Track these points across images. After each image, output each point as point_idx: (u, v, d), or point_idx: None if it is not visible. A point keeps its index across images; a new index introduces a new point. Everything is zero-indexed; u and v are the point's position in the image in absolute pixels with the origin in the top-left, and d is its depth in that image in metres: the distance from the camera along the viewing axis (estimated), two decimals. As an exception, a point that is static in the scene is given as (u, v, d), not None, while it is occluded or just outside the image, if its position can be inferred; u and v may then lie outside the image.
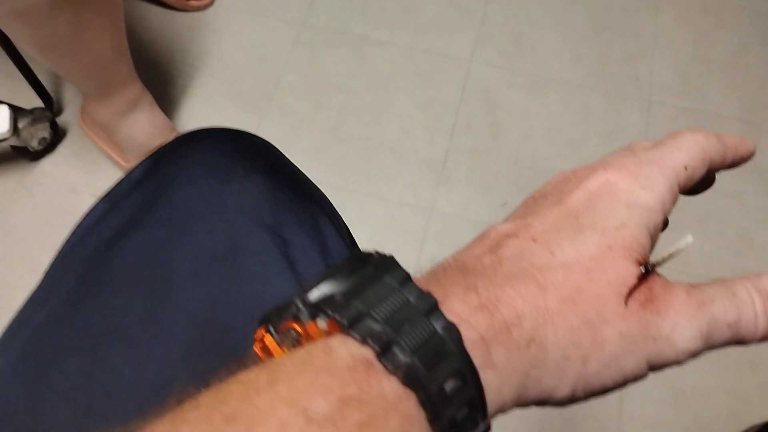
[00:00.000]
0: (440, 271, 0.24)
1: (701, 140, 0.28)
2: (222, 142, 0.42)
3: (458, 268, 0.24)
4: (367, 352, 0.19)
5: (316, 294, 0.22)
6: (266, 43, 1.24)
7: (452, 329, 0.20)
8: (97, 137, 1.09)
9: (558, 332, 0.22)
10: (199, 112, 1.17)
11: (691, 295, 0.24)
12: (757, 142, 1.07)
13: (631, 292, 0.23)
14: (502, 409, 0.22)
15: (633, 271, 0.23)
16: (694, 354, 0.23)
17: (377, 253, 0.23)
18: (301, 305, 0.22)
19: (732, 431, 0.94)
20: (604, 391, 0.23)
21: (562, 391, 0.22)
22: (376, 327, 0.20)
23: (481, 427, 0.21)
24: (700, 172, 0.27)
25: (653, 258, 0.24)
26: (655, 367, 0.23)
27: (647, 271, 0.23)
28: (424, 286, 0.22)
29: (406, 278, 0.22)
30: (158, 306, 0.36)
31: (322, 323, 0.21)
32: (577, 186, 0.26)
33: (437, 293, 0.22)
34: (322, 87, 1.20)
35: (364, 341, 0.19)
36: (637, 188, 0.25)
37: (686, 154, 0.27)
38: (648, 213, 0.24)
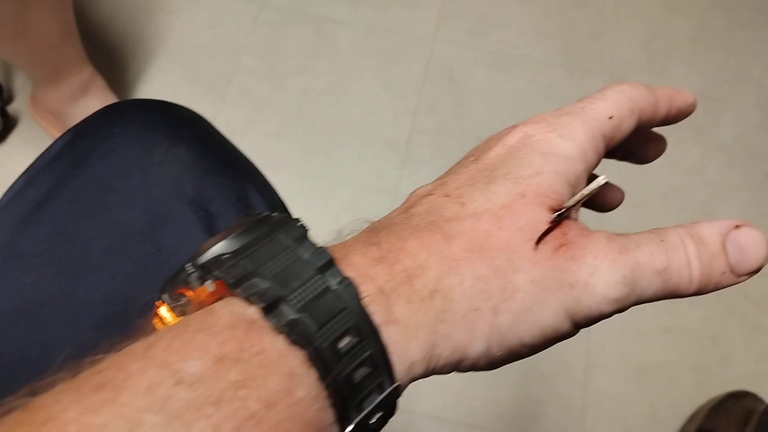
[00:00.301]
0: (352, 236, 0.23)
1: (628, 90, 0.26)
2: (146, 114, 0.40)
3: (369, 229, 0.23)
4: (252, 311, 0.18)
5: (206, 256, 0.21)
6: (224, 23, 1.21)
7: (347, 284, 0.19)
8: (48, 124, 1.05)
9: (464, 281, 0.21)
10: (155, 95, 1.14)
11: (612, 239, 0.22)
12: (719, 117, 1.07)
13: (543, 238, 0.22)
14: (413, 371, 0.20)
15: (545, 217, 0.22)
16: (620, 303, 0.22)
17: (278, 213, 0.22)
18: (191, 269, 0.20)
19: (696, 404, 0.95)
20: (524, 348, 0.22)
21: (476, 347, 0.21)
22: (263, 284, 0.19)
23: (388, 387, 0.19)
24: (628, 122, 0.26)
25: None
26: (577, 319, 0.22)
27: (560, 215, 0.22)
28: (326, 246, 0.21)
29: (302, 236, 0.21)
30: (70, 283, 0.35)
31: (210, 285, 0.20)
32: (496, 143, 0.25)
33: (338, 251, 0.21)
34: (282, 68, 1.17)
35: (248, 299, 0.18)
36: (555, 137, 0.24)
37: (611, 103, 0.26)
38: (566, 161, 0.24)
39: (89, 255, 0.35)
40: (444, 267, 0.21)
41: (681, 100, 0.28)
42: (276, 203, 0.42)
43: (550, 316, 0.21)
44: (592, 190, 0.23)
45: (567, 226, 0.22)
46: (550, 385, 0.95)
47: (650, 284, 0.22)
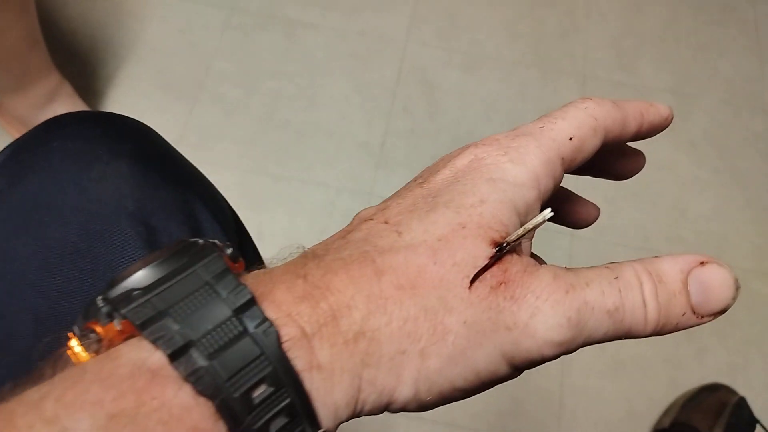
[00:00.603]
0: (284, 263, 0.22)
1: (592, 107, 0.25)
2: (86, 127, 0.38)
3: (302, 257, 0.22)
4: (158, 357, 0.17)
5: (118, 290, 0.19)
6: (195, 28, 1.20)
7: (267, 326, 0.18)
8: (16, 132, 1.03)
9: (392, 322, 0.19)
10: (126, 102, 1.13)
11: (558, 277, 0.21)
12: (689, 113, 1.08)
13: (481, 275, 0.20)
14: (339, 416, 0.19)
15: (485, 251, 0.21)
16: (564, 346, 0.20)
17: (205, 240, 0.21)
18: (101, 303, 0.19)
19: (671, 397, 0.96)
20: (457, 392, 0.21)
21: (403, 392, 0.20)
22: (173, 327, 0.17)
23: None
24: (591, 142, 0.24)
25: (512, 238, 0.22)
26: (516, 362, 0.20)
27: (501, 250, 0.21)
28: (251, 279, 0.20)
29: (222, 270, 0.19)
30: (2, 302, 0.34)
31: (118, 324, 0.18)
32: (444, 164, 0.24)
33: (263, 284, 0.19)
34: (254, 72, 1.17)
35: (155, 343, 0.17)
36: (505, 162, 0.23)
37: (572, 123, 0.24)
38: (514, 188, 0.22)
39: (21, 274, 0.34)
40: (371, 306, 0.19)
41: (654, 114, 0.26)
42: (223, 215, 0.41)
43: (484, 360, 0.20)
44: (537, 224, 0.22)
45: (509, 261, 0.21)
46: (527, 381, 0.96)
47: (600, 325, 0.21)
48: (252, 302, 0.18)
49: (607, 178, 0.31)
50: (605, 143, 0.25)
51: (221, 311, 0.18)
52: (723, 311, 0.21)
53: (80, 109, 1.01)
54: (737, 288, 0.21)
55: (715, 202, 1.11)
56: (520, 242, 0.22)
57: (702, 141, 1.16)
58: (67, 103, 0.99)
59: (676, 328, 0.22)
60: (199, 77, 1.15)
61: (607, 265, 0.22)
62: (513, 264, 0.21)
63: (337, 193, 1.08)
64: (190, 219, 0.37)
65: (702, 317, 0.21)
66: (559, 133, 0.24)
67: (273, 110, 1.13)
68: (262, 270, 0.21)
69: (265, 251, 1.08)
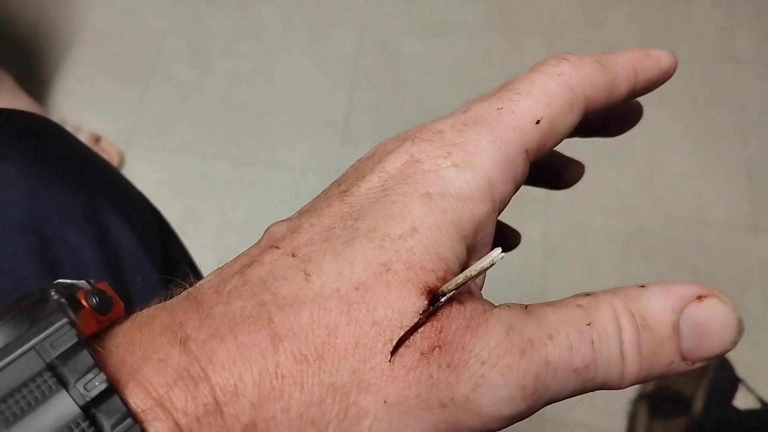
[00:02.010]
0: (163, 308, 0.17)
1: (568, 72, 0.19)
2: None
3: (186, 299, 0.17)
4: None
5: None
6: (141, 7, 1.14)
7: (129, 426, 0.14)
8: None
9: (291, 409, 0.15)
10: (75, 91, 1.07)
11: (513, 332, 0.16)
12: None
13: (409, 337, 0.16)
14: None
15: (414, 305, 0.16)
16: (516, 419, 0.16)
17: (58, 292, 0.16)
18: None
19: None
20: None
21: None
22: None
23: None
24: (567, 121, 0.19)
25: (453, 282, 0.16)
26: None
27: (434, 302, 0.16)
28: (120, 341, 0.15)
29: (73, 345, 0.14)
30: None
31: None
32: (373, 167, 0.18)
33: (132, 356, 0.15)
34: (207, 51, 1.11)
35: None
36: (447, 167, 0.18)
37: (539, 99, 0.19)
38: (459, 205, 0.17)
39: None
40: (265, 388, 0.15)
41: (651, 68, 0.21)
42: (138, 218, 0.36)
43: None
44: (483, 269, 0.16)
45: (447, 316, 0.16)
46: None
47: (564, 387, 0.17)
48: (109, 392, 0.14)
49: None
50: (587, 116, 0.20)
51: (66, 409, 0.14)
52: (721, 355, 0.18)
53: (23, 101, 0.95)
54: (741, 331, 0.17)
55: (690, 157, 1.09)
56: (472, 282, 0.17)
57: (674, 95, 1.13)
58: (8, 97, 0.93)
59: (659, 378, 0.18)
60: (150, 59, 1.10)
61: (579, 302, 0.17)
62: (451, 319, 0.16)
63: (302, 174, 1.04)
64: (94, 225, 0.32)
65: (693, 363, 0.18)
66: (523, 117, 0.19)
67: (229, 90, 1.08)
68: (138, 321, 0.17)
69: (232, 240, 1.04)
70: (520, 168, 0.19)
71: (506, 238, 0.29)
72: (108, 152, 0.99)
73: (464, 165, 0.18)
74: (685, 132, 1.11)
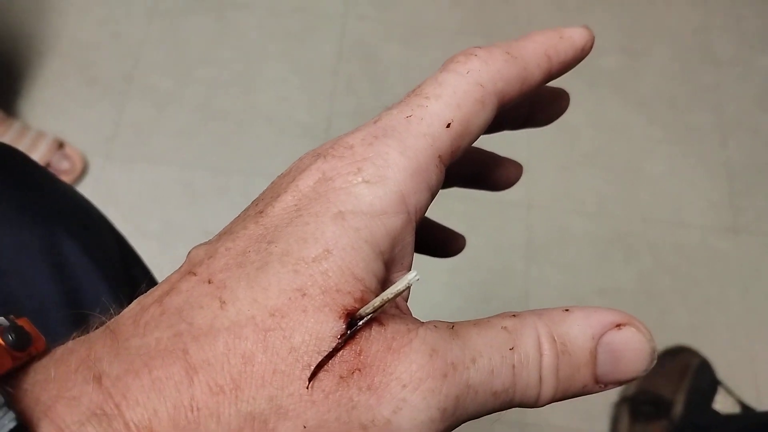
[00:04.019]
0: (82, 342, 0.17)
1: (476, 70, 0.19)
2: None
3: (104, 333, 0.17)
4: None
5: None
6: (118, 17, 1.13)
7: None
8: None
9: None
10: (52, 102, 1.06)
11: (436, 355, 0.16)
12: (638, 72, 1.04)
13: (325, 363, 0.16)
14: None
15: (331, 329, 0.16)
16: None
17: None
18: None
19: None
20: None
21: None
22: None
23: None
24: (480, 119, 0.19)
25: (372, 305, 0.16)
26: None
27: (352, 325, 0.16)
28: (36, 378, 0.15)
29: None
30: None
31: None
32: (287, 186, 0.18)
33: (47, 394, 0.15)
34: (186, 60, 1.10)
35: None
36: (358, 183, 0.18)
37: (449, 101, 0.19)
38: (372, 221, 0.17)
39: None
40: (180, 422, 0.15)
41: (566, 49, 0.21)
42: (99, 246, 0.36)
43: None
44: (399, 292, 0.16)
45: (366, 338, 0.16)
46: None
47: (483, 408, 0.17)
48: (19, 430, 0.14)
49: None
50: (502, 108, 0.20)
51: None
52: (629, 381, 0.18)
53: (-3, 114, 0.94)
54: (653, 360, 0.18)
55: (669, 160, 1.10)
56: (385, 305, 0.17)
57: (653, 98, 1.14)
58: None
59: (570, 398, 0.18)
60: (127, 70, 1.09)
61: (505, 324, 0.18)
62: (371, 341, 0.16)
63: (283, 182, 1.03)
64: (51, 255, 0.32)
65: (605, 386, 0.18)
66: (432, 122, 0.19)
67: (208, 99, 1.08)
68: (56, 356, 0.17)
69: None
70: (434, 175, 0.19)
71: (448, 243, 0.29)
72: (71, 158, 0.98)
73: (375, 180, 0.18)
74: (663, 134, 1.11)
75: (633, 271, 1.01)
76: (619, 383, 0.18)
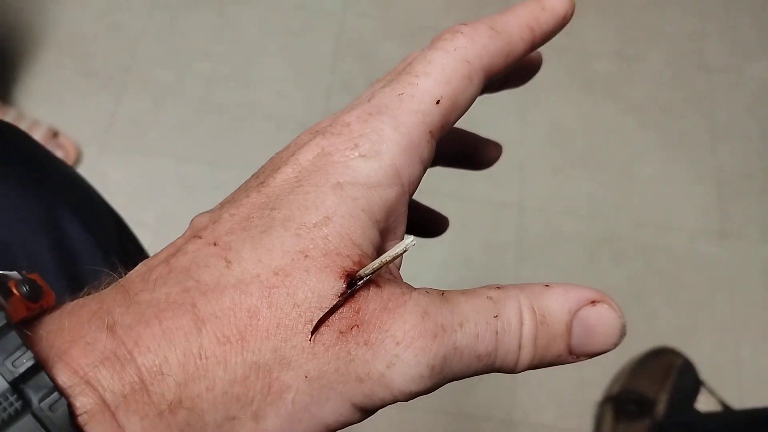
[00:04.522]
0: (92, 298, 0.18)
1: (463, 46, 0.20)
2: None
3: (115, 289, 0.18)
4: None
5: None
6: (118, 9, 1.13)
7: (54, 400, 0.15)
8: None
9: (215, 387, 0.16)
10: (50, 92, 1.07)
11: (428, 317, 0.18)
12: (633, 76, 1.05)
13: (328, 318, 0.17)
14: None
15: (333, 287, 0.17)
16: (421, 393, 0.18)
17: None
18: None
19: (622, 364, 0.97)
20: None
21: None
22: None
23: None
24: (467, 93, 0.20)
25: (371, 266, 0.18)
26: (368, 409, 0.18)
27: (352, 285, 0.17)
28: (50, 328, 0.16)
29: (2, 327, 0.15)
30: None
31: None
32: (287, 159, 0.20)
33: (57, 340, 0.16)
34: (185, 54, 1.11)
35: None
36: (355, 157, 0.19)
37: (438, 78, 0.20)
38: (369, 192, 0.18)
39: None
40: (189, 368, 0.16)
41: (548, 19, 0.22)
42: (97, 222, 0.37)
43: (332, 413, 0.17)
44: (396, 255, 0.18)
45: (365, 298, 0.18)
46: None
47: (467, 369, 0.18)
48: (36, 368, 0.15)
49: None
50: (488, 81, 0.21)
51: None
52: (600, 354, 0.20)
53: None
54: (623, 335, 0.19)
55: (661, 164, 1.11)
56: (381, 269, 0.18)
57: (646, 103, 1.15)
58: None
59: (545, 366, 0.20)
60: (126, 62, 1.09)
61: (490, 294, 0.19)
62: (369, 300, 0.18)
63: (278, 177, 1.04)
64: (52, 230, 0.33)
65: (578, 357, 0.20)
66: (423, 99, 0.20)
67: (206, 93, 1.09)
68: (68, 309, 0.18)
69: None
70: (425, 150, 0.20)
71: (433, 223, 0.30)
72: (65, 147, 0.99)
73: (371, 154, 0.19)
74: (655, 139, 1.13)
75: (622, 273, 1.03)
76: (591, 355, 0.20)
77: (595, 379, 0.96)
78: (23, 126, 0.98)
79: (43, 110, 1.04)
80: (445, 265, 0.98)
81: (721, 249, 1.05)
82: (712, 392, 0.82)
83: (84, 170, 1.01)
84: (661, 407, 0.79)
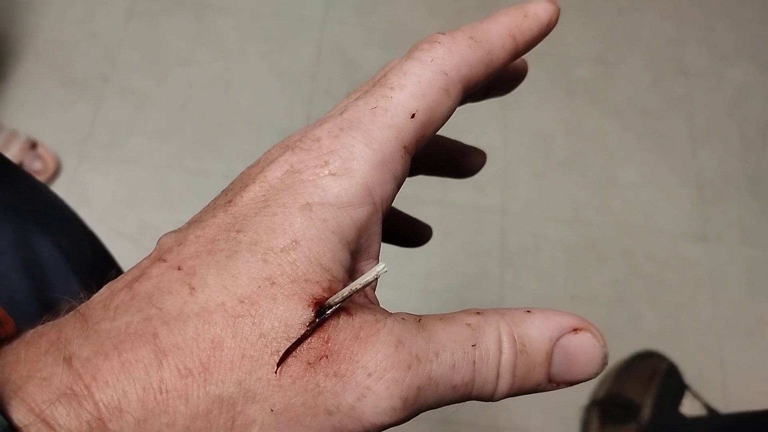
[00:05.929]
0: (51, 326, 0.17)
1: (440, 58, 0.19)
2: None
3: (74, 317, 0.17)
4: None
5: None
6: (96, 17, 1.12)
7: None
8: None
9: (177, 422, 0.16)
10: (27, 102, 1.05)
11: (402, 346, 0.17)
12: (612, 80, 1.06)
13: (293, 350, 0.16)
14: None
15: (300, 316, 0.16)
16: (392, 425, 0.17)
17: None
18: None
19: (608, 366, 0.97)
20: None
21: None
22: None
23: None
24: (444, 107, 0.19)
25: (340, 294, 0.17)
26: None
27: (321, 314, 0.17)
28: (7, 359, 0.16)
29: None
30: None
31: None
32: (255, 176, 0.19)
33: (18, 374, 0.15)
34: (164, 61, 1.10)
35: None
36: (325, 175, 0.18)
37: (413, 90, 0.19)
38: (339, 213, 0.18)
39: None
40: (149, 403, 0.15)
41: (531, 27, 0.21)
42: (70, 243, 0.36)
43: None
44: (367, 283, 0.17)
45: (334, 326, 0.17)
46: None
47: (441, 399, 0.18)
48: None
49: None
50: (467, 92, 0.20)
51: None
52: (581, 383, 0.19)
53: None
54: (604, 364, 0.19)
55: (642, 168, 1.12)
56: (353, 296, 0.17)
57: (626, 107, 1.16)
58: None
59: (524, 394, 0.19)
60: (104, 70, 1.08)
61: (469, 321, 0.18)
62: (339, 329, 0.17)
63: (260, 185, 1.03)
64: (24, 251, 0.32)
65: (558, 385, 0.19)
66: (397, 113, 0.19)
67: (186, 100, 1.08)
68: (26, 339, 0.17)
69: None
70: (399, 165, 0.19)
71: (415, 233, 0.30)
72: (44, 158, 0.97)
73: (341, 173, 0.18)
74: (636, 143, 1.14)
75: (606, 277, 1.03)
76: (570, 384, 0.19)
77: (580, 384, 0.95)
78: (1, 137, 0.96)
79: (21, 120, 1.03)
80: (430, 273, 0.98)
81: (702, 251, 1.06)
82: (697, 396, 0.82)
83: (64, 180, 0.99)
84: (646, 411, 0.79)
